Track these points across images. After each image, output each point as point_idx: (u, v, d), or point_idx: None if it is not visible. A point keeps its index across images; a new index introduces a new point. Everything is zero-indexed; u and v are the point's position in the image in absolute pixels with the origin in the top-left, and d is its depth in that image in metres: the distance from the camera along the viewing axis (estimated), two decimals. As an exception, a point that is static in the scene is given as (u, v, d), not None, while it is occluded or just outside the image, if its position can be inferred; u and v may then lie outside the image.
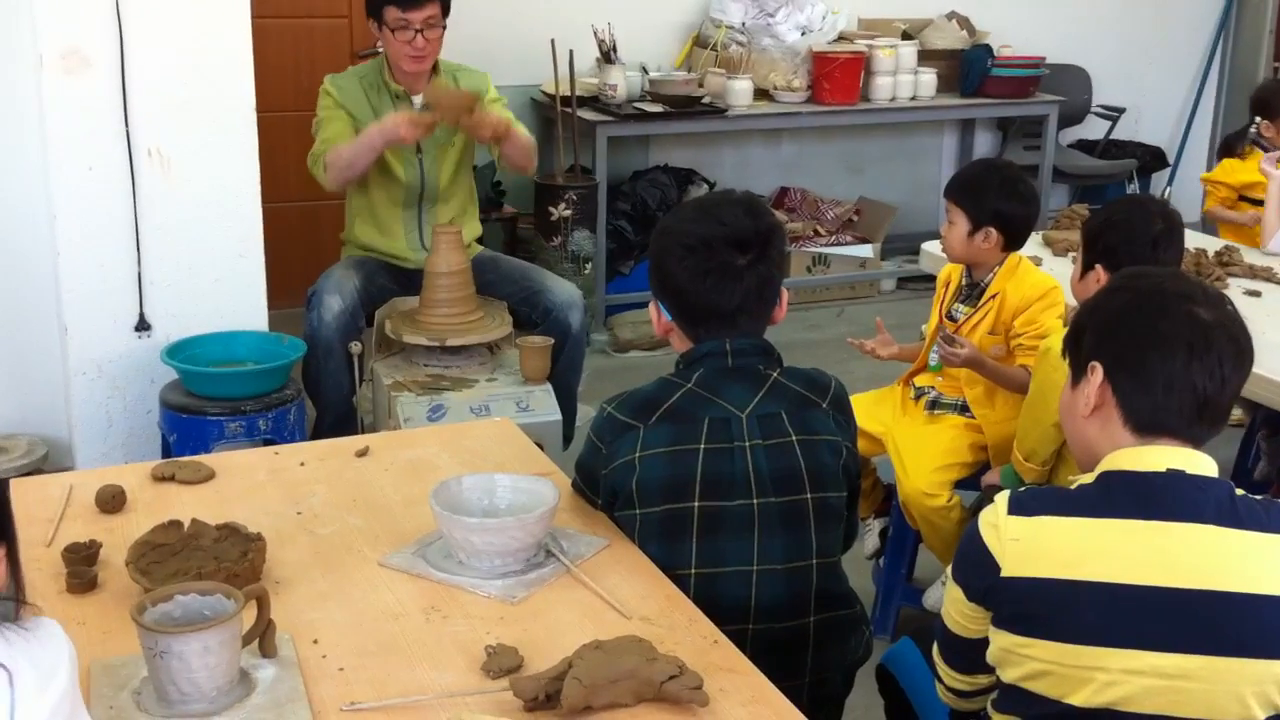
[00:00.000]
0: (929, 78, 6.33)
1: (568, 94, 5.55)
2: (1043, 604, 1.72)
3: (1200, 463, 1.74)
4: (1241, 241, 4.37)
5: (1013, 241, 3.21)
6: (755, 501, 2.10)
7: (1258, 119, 4.88)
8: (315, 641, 1.84)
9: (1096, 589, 1.69)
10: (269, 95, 4.39)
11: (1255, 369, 1.82)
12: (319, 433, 3.83)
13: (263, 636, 1.75)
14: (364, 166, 3.82)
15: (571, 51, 5.51)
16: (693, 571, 2.09)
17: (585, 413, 4.55)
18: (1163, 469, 1.72)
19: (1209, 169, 7.68)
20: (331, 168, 3.83)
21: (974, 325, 3.26)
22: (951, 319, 3.33)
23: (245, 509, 2.22)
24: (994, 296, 3.23)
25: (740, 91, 5.92)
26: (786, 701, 1.73)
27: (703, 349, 2.17)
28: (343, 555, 2.10)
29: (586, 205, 5.53)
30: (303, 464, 2.45)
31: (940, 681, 1.98)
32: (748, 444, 2.10)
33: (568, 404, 3.88)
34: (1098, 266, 2.84)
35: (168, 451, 3.58)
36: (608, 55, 5.74)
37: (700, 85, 5.94)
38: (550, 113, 5.71)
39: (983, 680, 1.90)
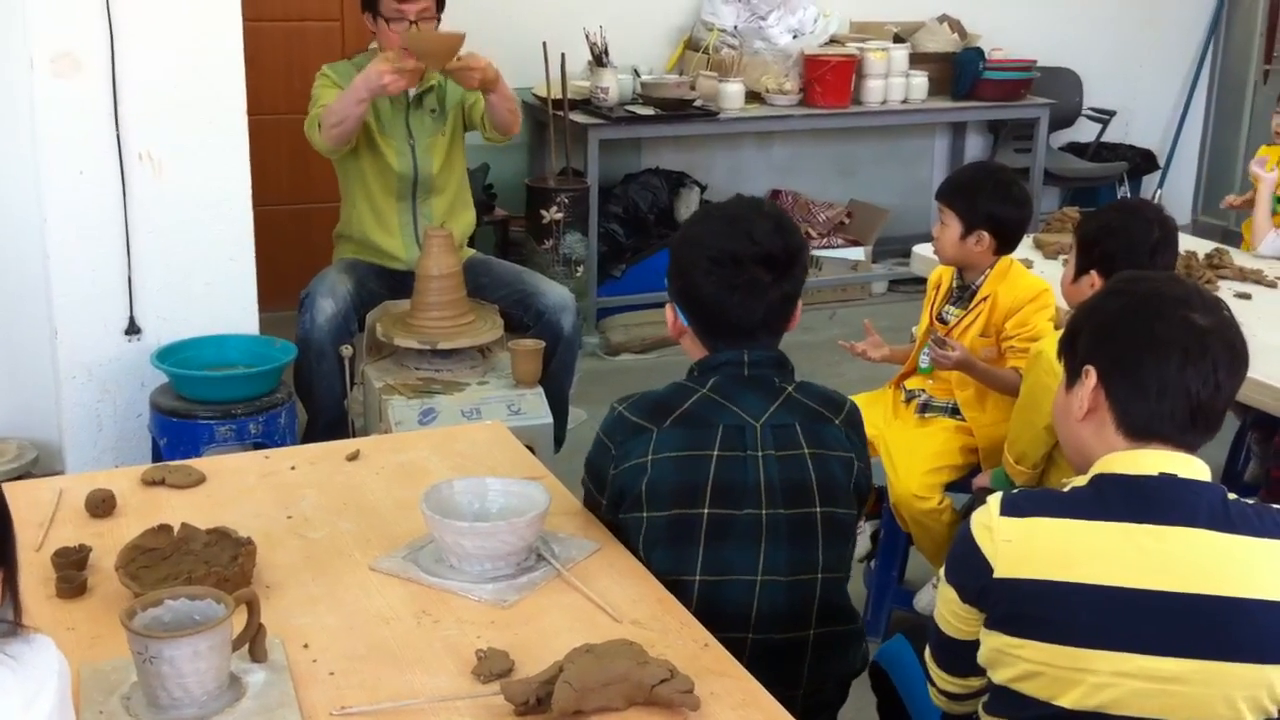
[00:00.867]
0: (920, 80, 6.34)
1: (559, 97, 5.55)
2: (1035, 605, 1.72)
3: (1193, 467, 1.74)
4: None
5: (1005, 244, 3.22)
6: (764, 512, 2.09)
7: None
8: (306, 646, 1.84)
9: (1089, 591, 1.69)
10: (261, 98, 4.39)
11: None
12: (311, 436, 3.82)
13: (253, 641, 1.74)
14: (354, 122, 3.78)
15: (563, 54, 5.51)
16: (697, 578, 2.08)
17: (577, 415, 4.56)
18: (1155, 472, 1.73)
19: (1199, 171, 7.72)
20: (324, 126, 3.81)
21: (965, 327, 3.26)
22: (942, 321, 3.33)
23: (235, 513, 2.22)
24: (985, 299, 3.23)
25: (732, 94, 5.92)
26: (778, 705, 1.73)
27: (720, 358, 2.16)
28: (333, 559, 2.09)
29: (578, 208, 5.53)
30: (293, 468, 2.44)
31: (932, 684, 1.98)
32: (760, 454, 2.09)
33: (559, 407, 3.88)
34: (1092, 272, 2.84)
35: (158, 455, 3.57)
36: (599, 58, 5.74)
37: (692, 88, 5.94)
38: (542, 115, 5.71)
39: (975, 683, 1.90)
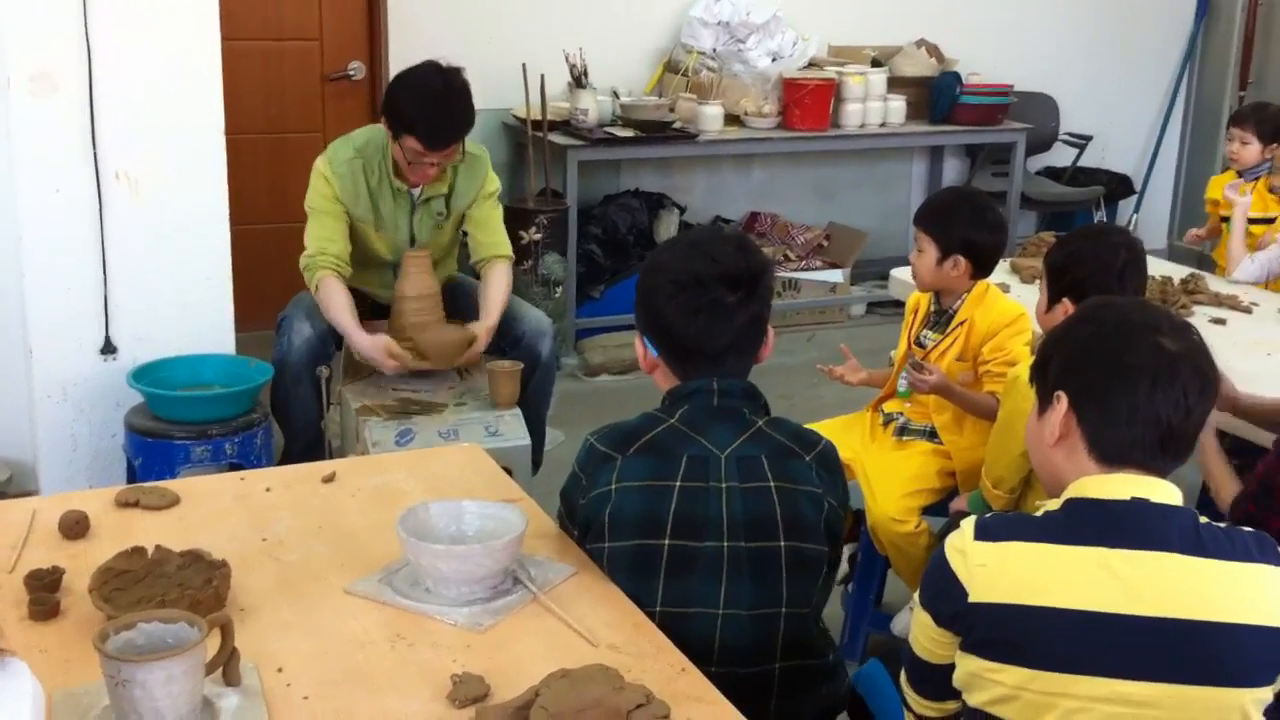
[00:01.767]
0: (898, 104, 6.37)
1: (539, 118, 5.56)
2: (1010, 629, 1.72)
3: (1164, 491, 1.75)
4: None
5: (981, 269, 3.24)
6: (726, 544, 2.07)
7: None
8: (280, 670, 1.82)
9: (1063, 616, 1.69)
10: (239, 117, 4.38)
11: (1221, 396, 1.83)
12: (288, 458, 3.80)
13: (226, 665, 1.73)
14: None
15: (543, 76, 5.52)
16: (658, 609, 2.06)
17: (554, 437, 4.55)
18: (1127, 497, 1.73)
19: (1175, 196, 7.77)
20: (319, 299, 3.70)
21: (942, 352, 3.27)
22: (920, 345, 3.34)
23: (210, 535, 2.21)
24: (962, 323, 3.25)
25: (711, 117, 5.94)
26: (754, 730, 1.73)
27: (689, 387, 2.15)
28: (308, 582, 2.08)
29: (557, 229, 5.53)
30: (269, 490, 2.43)
31: (908, 708, 1.98)
32: (724, 485, 2.08)
33: (537, 431, 3.86)
34: (1065, 300, 2.86)
35: (133, 475, 3.56)
36: (579, 80, 5.76)
37: (671, 110, 5.96)
38: (521, 136, 5.72)
39: (950, 706, 1.89)
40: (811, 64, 6.32)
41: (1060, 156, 7.26)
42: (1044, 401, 1.86)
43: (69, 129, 3.49)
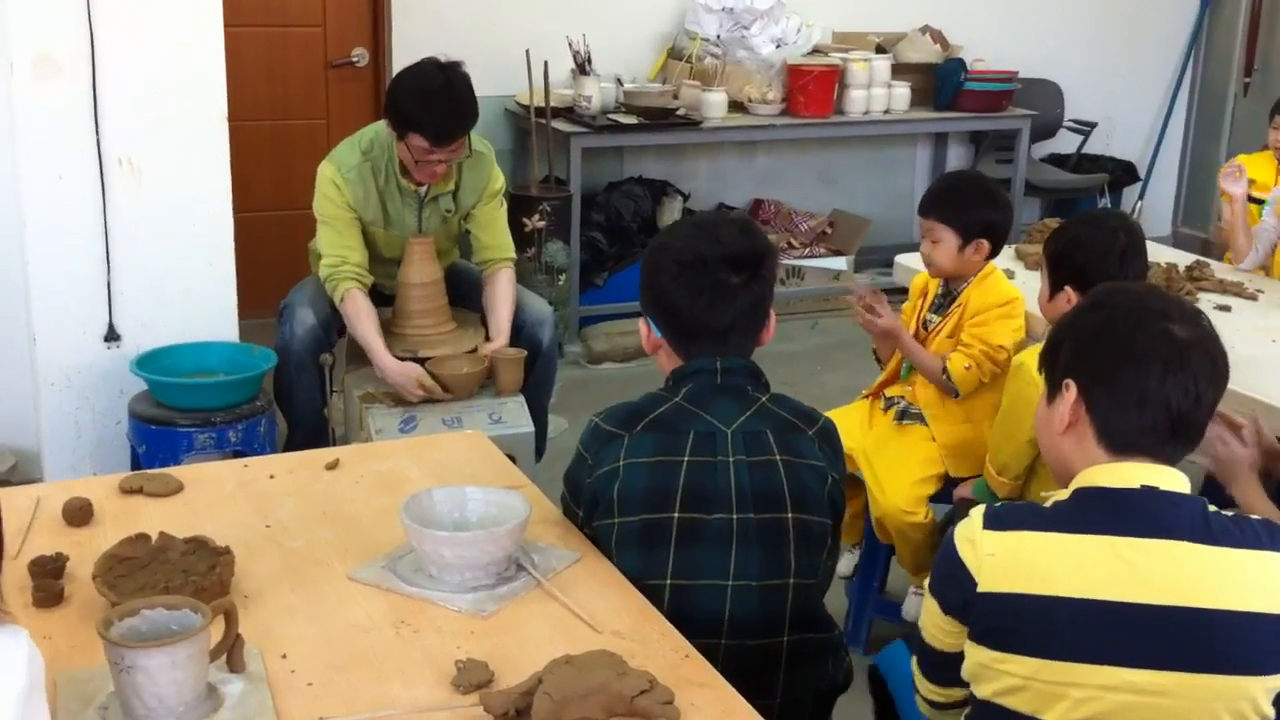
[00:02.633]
0: (903, 91, 6.35)
1: (542, 105, 5.55)
2: (1019, 619, 1.72)
3: (1173, 479, 1.74)
4: None
5: (995, 250, 3.24)
6: (735, 516, 2.09)
7: None
8: (284, 656, 1.83)
9: (1072, 605, 1.69)
10: (242, 104, 4.38)
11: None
12: (291, 445, 3.80)
13: (230, 651, 1.73)
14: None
15: (546, 63, 5.51)
16: (668, 582, 2.08)
17: (557, 424, 4.55)
18: (1136, 485, 1.73)
19: (1180, 183, 7.75)
20: (345, 315, 3.69)
21: (937, 330, 3.28)
22: (925, 328, 3.34)
23: (214, 522, 2.21)
24: (960, 305, 3.25)
25: (715, 104, 5.93)
26: (758, 717, 1.73)
27: (693, 366, 2.17)
28: (312, 569, 2.08)
29: (560, 216, 5.53)
30: (272, 476, 2.43)
31: (917, 691, 1.99)
32: (731, 459, 2.10)
33: (539, 419, 3.86)
34: (1067, 288, 2.85)
35: (136, 463, 3.56)
36: (582, 67, 5.74)
37: (675, 97, 5.95)
38: (524, 123, 5.71)
39: (957, 694, 1.90)
40: (815, 50, 6.30)
41: (1065, 143, 7.24)
42: (1053, 389, 1.85)
43: (72, 115, 3.49)
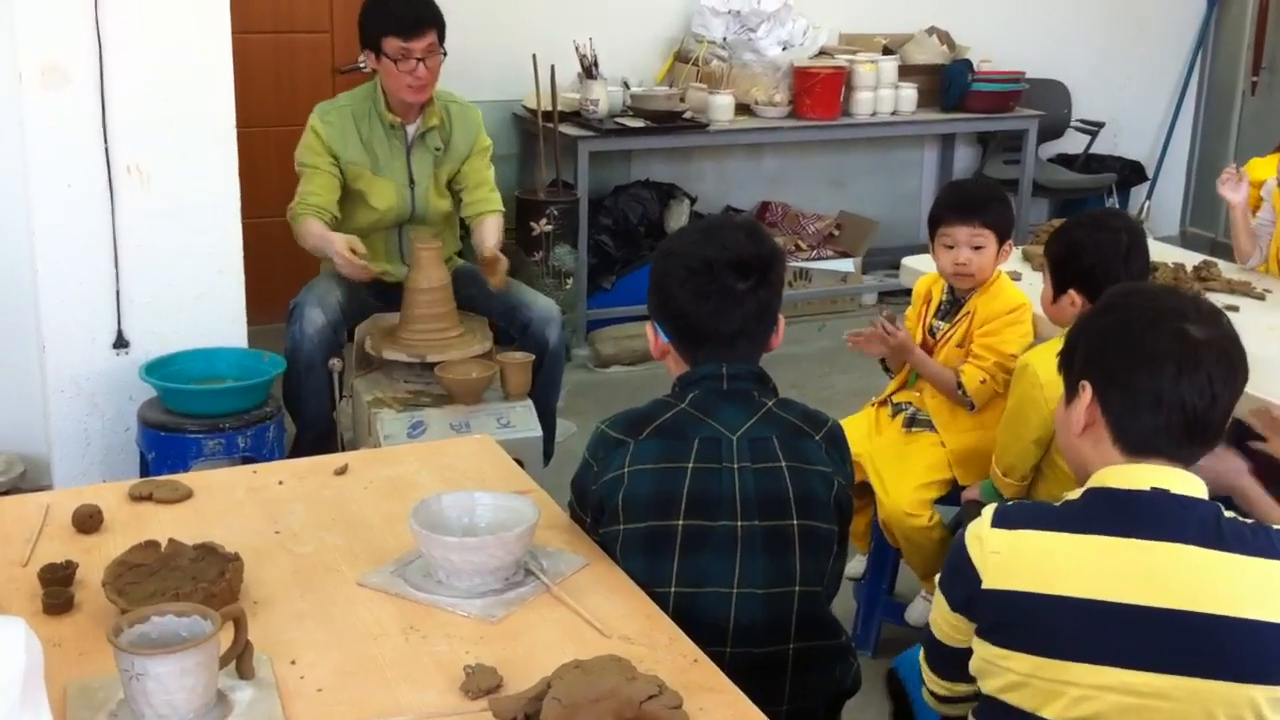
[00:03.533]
0: (909, 92, 6.35)
1: (549, 109, 5.56)
2: (1020, 616, 1.73)
3: (1187, 482, 1.74)
4: None
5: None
6: (740, 523, 2.08)
7: None
8: (293, 662, 1.83)
9: (1072, 603, 1.69)
10: (251, 110, 4.39)
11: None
12: (299, 448, 3.82)
13: (240, 657, 1.74)
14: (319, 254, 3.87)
15: (553, 66, 5.51)
16: (672, 589, 2.08)
17: (565, 428, 4.56)
18: (1148, 487, 1.73)
19: (1188, 183, 7.74)
20: (299, 237, 3.86)
21: (946, 339, 3.28)
22: (932, 335, 3.34)
23: (223, 528, 2.21)
24: (968, 313, 3.25)
25: (722, 106, 5.93)
26: (767, 721, 1.73)
27: (700, 371, 2.16)
28: (321, 574, 2.09)
29: (568, 220, 5.53)
30: (281, 482, 2.44)
31: (924, 684, 2.00)
32: (736, 466, 2.10)
33: (547, 420, 3.88)
34: (1071, 291, 2.86)
35: (146, 469, 3.57)
36: (589, 70, 5.75)
37: (682, 100, 5.95)
38: (532, 127, 5.71)
39: (962, 689, 1.91)
40: (822, 52, 6.30)
41: (1072, 143, 7.23)
42: (1070, 391, 1.86)
43: (80, 122, 3.49)
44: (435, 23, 3.83)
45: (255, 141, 4.97)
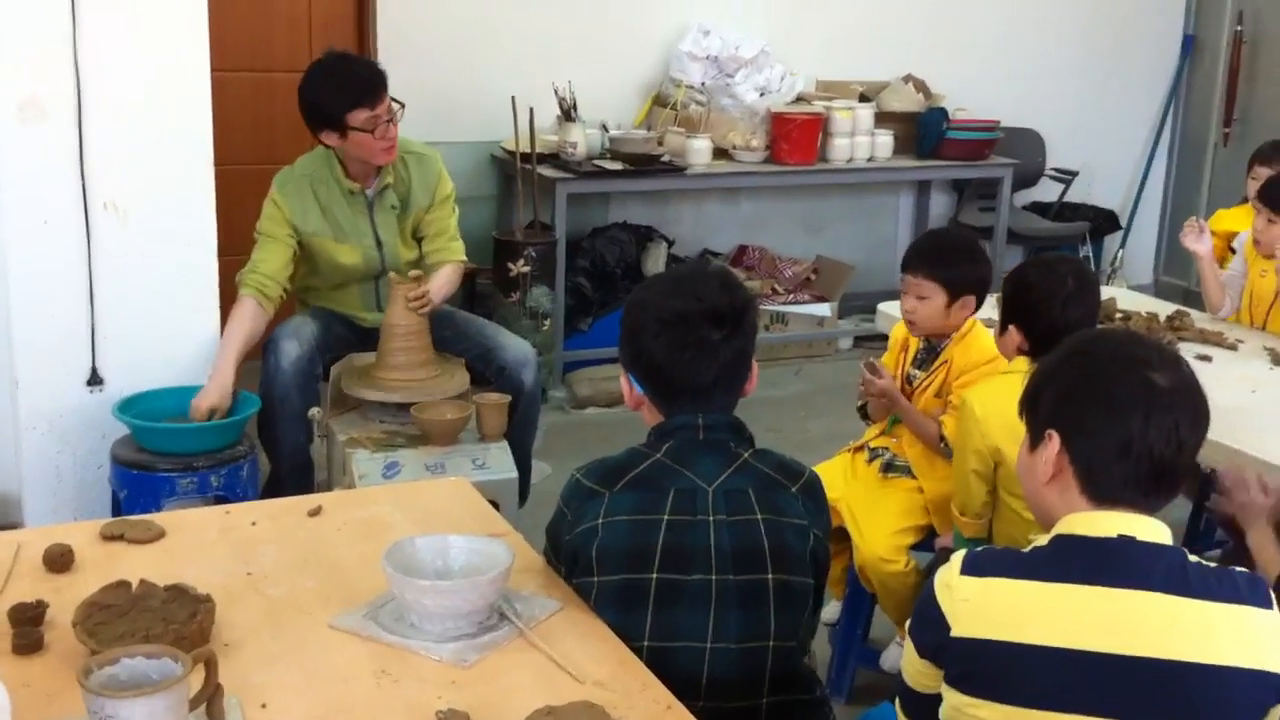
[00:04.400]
0: (886, 139, 6.40)
1: (528, 151, 5.58)
2: (989, 665, 1.73)
3: (1152, 529, 1.75)
4: None
5: (979, 305, 3.26)
6: (714, 577, 2.07)
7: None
8: (264, 706, 1.81)
9: (1042, 653, 1.69)
10: (228, 148, 4.39)
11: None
12: (274, 485, 3.79)
13: (210, 700, 1.72)
14: None
15: (532, 109, 5.54)
16: (646, 643, 2.05)
17: (541, 469, 4.54)
18: (1114, 534, 1.73)
19: (1161, 232, 7.81)
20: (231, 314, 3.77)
21: (923, 388, 3.29)
22: (909, 383, 3.35)
23: (195, 569, 2.19)
24: (945, 362, 3.26)
25: (699, 150, 5.96)
26: (740, 768, 1.72)
27: (675, 422, 2.15)
28: (293, 617, 2.07)
29: (545, 261, 5.54)
30: (254, 523, 2.42)
31: None
32: (711, 518, 2.08)
33: (522, 462, 3.86)
34: (1012, 326, 2.94)
35: (118, 508, 3.54)
36: (568, 113, 5.78)
37: (660, 144, 5.98)
38: (510, 169, 5.73)
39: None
40: (799, 98, 6.35)
41: (1047, 192, 7.29)
42: (1035, 437, 1.85)
43: (57, 158, 3.49)
44: (384, 79, 3.81)
45: (233, 179, 4.95)
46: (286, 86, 5.67)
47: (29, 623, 1.96)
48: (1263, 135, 5.79)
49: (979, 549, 1.84)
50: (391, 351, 3.71)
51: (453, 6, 5.87)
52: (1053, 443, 1.80)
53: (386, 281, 3.92)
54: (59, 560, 2.18)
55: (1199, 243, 4.33)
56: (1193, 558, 1.75)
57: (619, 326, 2.21)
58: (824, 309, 6.43)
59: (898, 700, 1.96)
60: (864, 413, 3.54)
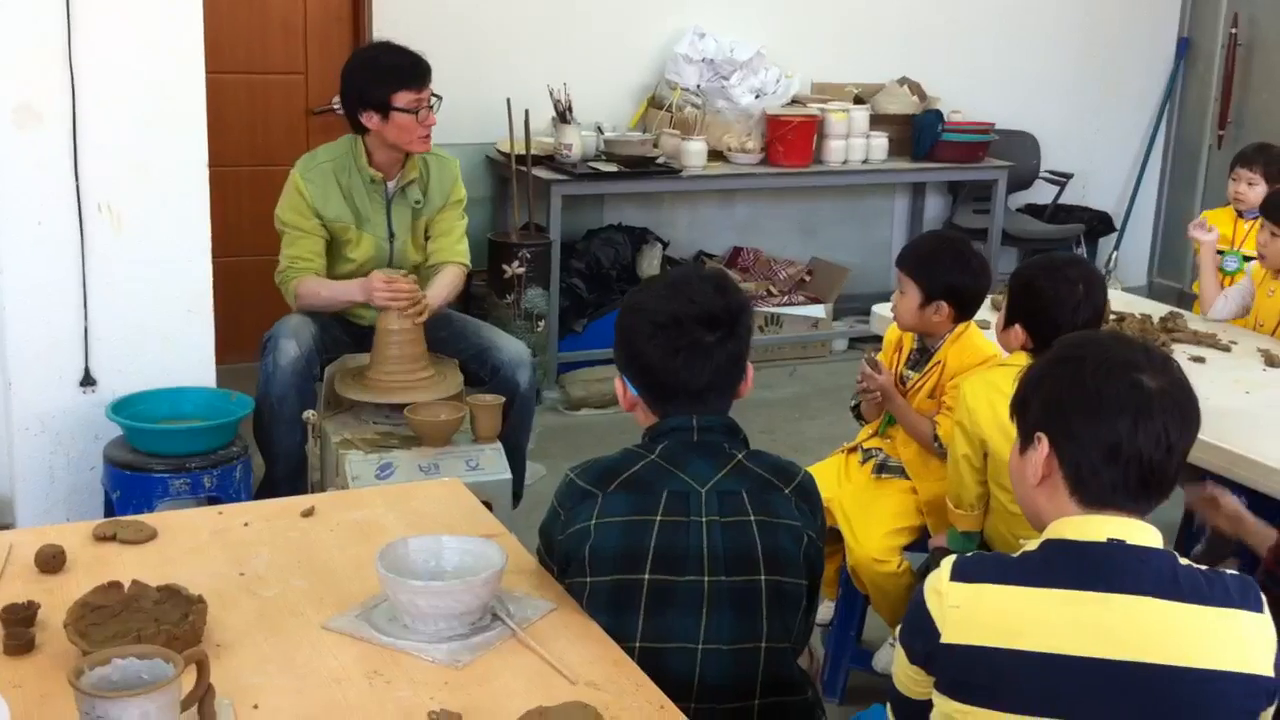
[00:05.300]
0: (881, 141, 6.40)
1: (523, 152, 5.58)
2: (981, 672, 1.72)
3: (1142, 533, 1.74)
4: None
5: (963, 313, 3.26)
6: (706, 579, 2.07)
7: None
8: (256, 707, 1.81)
9: (1034, 659, 1.69)
10: (225, 150, 4.39)
11: (1200, 435, 1.82)
12: (269, 485, 3.79)
13: (202, 702, 1.72)
14: (337, 309, 3.90)
15: (527, 111, 5.54)
16: (637, 645, 2.06)
17: (535, 470, 4.55)
18: (1104, 539, 1.73)
19: (1155, 234, 7.83)
20: (302, 298, 3.85)
21: (917, 389, 3.30)
22: (902, 383, 3.36)
23: (187, 570, 2.19)
24: (938, 363, 3.27)
25: (694, 152, 5.97)
26: (732, 769, 1.72)
27: (669, 424, 2.16)
28: (286, 618, 2.07)
29: (540, 263, 5.54)
30: (247, 524, 2.42)
31: None
32: (704, 519, 2.08)
33: (517, 462, 3.86)
34: (1017, 325, 2.96)
35: (110, 508, 3.54)
36: (563, 115, 5.78)
37: (655, 146, 5.98)
38: (505, 171, 5.73)
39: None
40: (794, 101, 6.36)
41: (1041, 194, 7.30)
42: (1025, 440, 1.85)
43: (52, 161, 3.48)
44: (429, 69, 3.89)
45: (228, 181, 4.97)
46: (282, 89, 5.72)
47: (21, 623, 1.95)
48: (1256, 138, 5.81)
49: (969, 554, 1.84)
50: (387, 352, 3.71)
51: (448, 9, 5.87)
52: (1042, 446, 1.80)
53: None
54: (51, 561, 2.18)
55: (1206, 234, 4.39)
56: (1183, 561, 1.75)
57: (614, 329, 2.22)
58: (819, 311, 6.43)
59: (889, 706, 1.96)
60: (857, 413, 3.54)
